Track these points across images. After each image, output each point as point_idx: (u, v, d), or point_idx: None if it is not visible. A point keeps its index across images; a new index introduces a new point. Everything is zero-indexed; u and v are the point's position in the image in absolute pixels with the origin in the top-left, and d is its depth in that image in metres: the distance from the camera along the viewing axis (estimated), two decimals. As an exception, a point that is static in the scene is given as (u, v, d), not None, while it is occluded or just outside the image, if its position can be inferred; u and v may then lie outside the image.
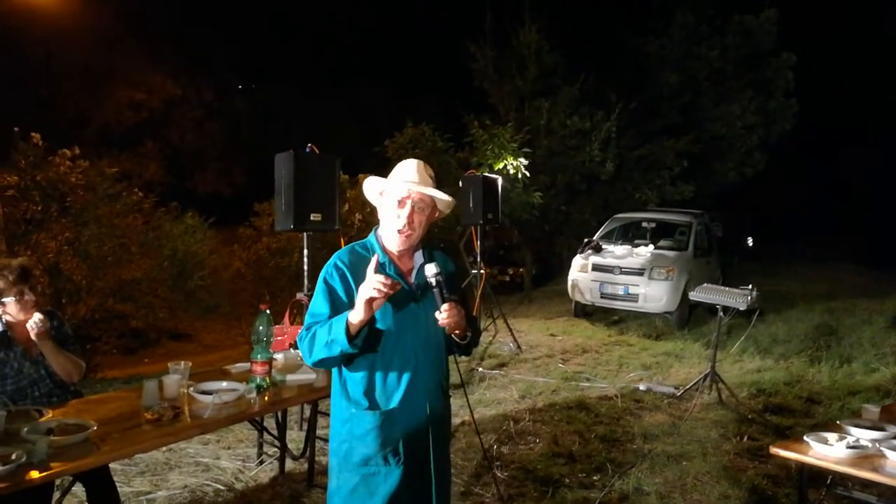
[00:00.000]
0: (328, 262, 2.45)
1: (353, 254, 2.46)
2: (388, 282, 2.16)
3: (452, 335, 2.37)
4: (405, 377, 2.38)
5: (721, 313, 6.44)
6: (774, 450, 3.02)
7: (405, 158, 2.65)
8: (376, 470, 2.36)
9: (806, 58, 18.87)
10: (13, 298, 3.14)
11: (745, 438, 5.44)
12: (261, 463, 4.60)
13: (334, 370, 2.48)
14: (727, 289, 6.54)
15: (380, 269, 2.37)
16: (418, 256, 2.49)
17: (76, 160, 8.49)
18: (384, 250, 2.45)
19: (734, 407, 6.25)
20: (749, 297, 6.34)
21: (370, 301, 2.18)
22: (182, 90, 21.97)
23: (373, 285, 2.16)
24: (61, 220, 8.46)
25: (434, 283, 2.31)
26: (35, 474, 2.27)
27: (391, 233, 2.42)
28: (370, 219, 10.57)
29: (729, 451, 5.21)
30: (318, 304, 2.39)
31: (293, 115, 22.35)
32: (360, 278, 2.30)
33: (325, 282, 2.41)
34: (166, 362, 10.68)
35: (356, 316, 2.20)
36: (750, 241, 15.06)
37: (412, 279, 2.46)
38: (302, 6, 23.59)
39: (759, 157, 18.82)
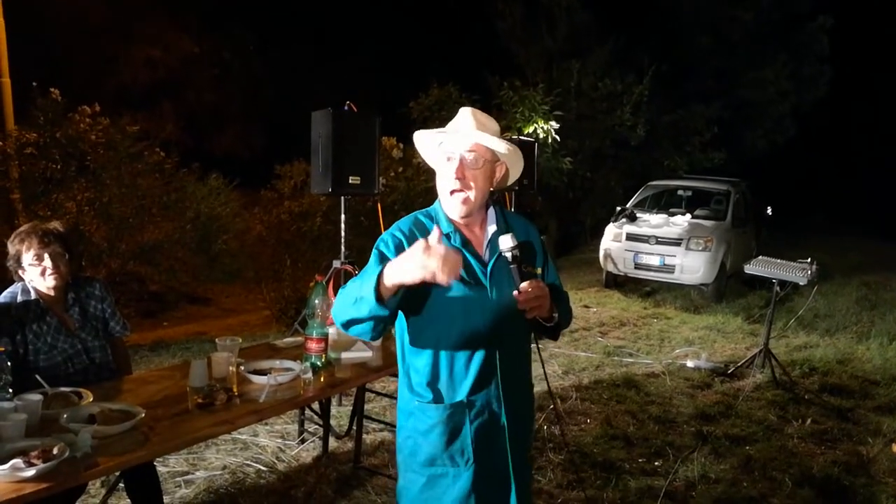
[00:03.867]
0: (387, 231, 2.09)
1: (415, 223, 2.08)
2: (457, 260, 1.68)
3: (537, 318, 2.00)
4: (474, 366, 2.03)
5: (777, 287, 6.11)
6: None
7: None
8: (443, 471, 2.04)
9: (842, 22, 18.22)
10: (30, 262, 2.82)
11: (808, 421, 5.14)
12: (302, 441, 4.33)
13: (398, 356, 2.15)
14: (785, 262, 6.21)
15: (443, 241, 1.99)
16: (491, 220, 2.11)
17: (96, 117, 8.14)
18: (449, 219, 2.07)
19: (789, 386, 5.95)
20: (809, 272, 6.01)
21: (425, 274, 1.67)
22: (199, 48, 21.39)
23: (440, 263, 1.64)
24: (80, 179, 8.15)
25: (510, 259, 1.94)
26: (81, 472, 1.97)
27: (445, 197, 2.04)
28: (394, 183, 10.21)
29: (792, 434, 4.93)
30: (368, 271, 2.00)
31: (312, 74, 21.78)
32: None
33: (379, 251, 2.03)
34: (186, 326, 10.41)
35: (395, 276, 1.72)
36: (769, 211, 14.70)
37: (484, 252, 2.08)
38: (320, -37, 22.88)
39: (790, 125, 18.33)
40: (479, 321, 2.01)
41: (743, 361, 6.35)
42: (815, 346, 7.43)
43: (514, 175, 2.16)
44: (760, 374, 6.17)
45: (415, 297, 1.96)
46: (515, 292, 1.90)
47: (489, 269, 2.04)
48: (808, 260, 6.14)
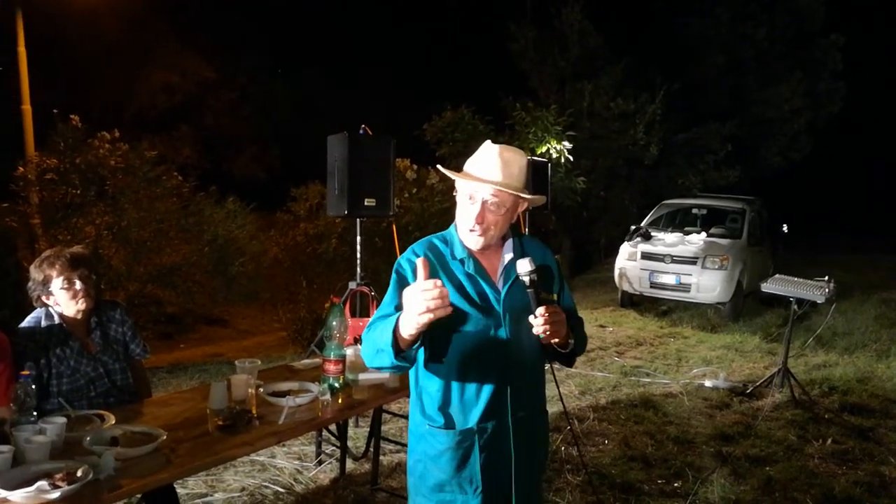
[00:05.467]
0: (403, 254, 2.11)
1: (430, 247, 2.09)
2: (440, 296, 1.66)
3: (552, 343, 1.97)
4: (486, 393, 2.01)
5: (795, 306, 6.06)
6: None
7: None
8: (452, 498, 2.04)
9: (855, 39, 18.20)
10: (61, 287, 2.86)
11: (829, 441, 5.08)
12: (320, 463, 4.34)
13: (410, 379, 2.16)
14: (802, 280, 6.17)
15: (457, 266, 2.04)
16: (507, 247, 2.09)
17: (115, 143, 8.29)
18: (463, 244, 2.07)
19: (808, 406, 5.89)
20: (826, 290, 5.97)
21: (420, 316, 1.68)
22: (216, 73, 21.68)
23: (422, 300, 1.65)
24: (99, 204, 8.29)
25: (528, 283, 1.92)
26: (104, 494, 2.00)
27: (463, 230, 2.05)
28: (408, 204, 10.26)
29: (812, 454, 4.86)
30: (387, 298, 2.03)
31: (328, 97, 22.07)
32: (434, 275, 1.94)
33: (397, 273, 2.05)
34: (203, 347, 10.48)
35: (406, 327, 1.73)
36: (785, 228, 14.69)
37: (498, 279, 2.07)
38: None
39: (806, 142, 18.26)
40: (491, 348, 2.01)
41: (761, 381, 6.29)
42: (835, 364, 7.35)
43: (535, 204, 2.14)
44: (779, 394, 6.11)
45: (436, 345, 1.99)
46: (532, 317, 1.89)
47: (502, 295, 2.03)
48: (826, 277, 6.10)
